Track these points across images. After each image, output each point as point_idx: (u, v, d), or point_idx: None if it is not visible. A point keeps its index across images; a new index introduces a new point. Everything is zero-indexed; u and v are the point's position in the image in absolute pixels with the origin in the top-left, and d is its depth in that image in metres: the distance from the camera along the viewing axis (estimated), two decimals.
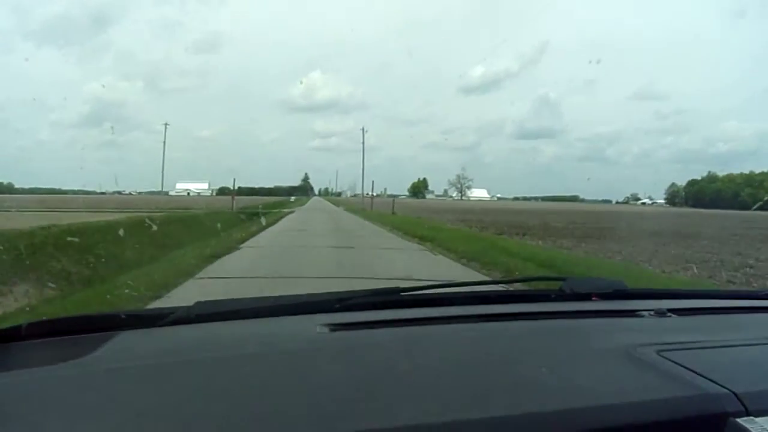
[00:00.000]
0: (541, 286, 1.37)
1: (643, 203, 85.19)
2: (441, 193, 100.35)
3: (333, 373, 0.81)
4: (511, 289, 1.39)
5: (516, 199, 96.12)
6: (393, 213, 26.07)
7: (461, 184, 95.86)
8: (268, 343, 0.96)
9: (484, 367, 0.85)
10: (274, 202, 34.81)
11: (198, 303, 1.07)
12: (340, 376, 0.80)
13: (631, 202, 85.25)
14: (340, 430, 0.62)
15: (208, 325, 1.05)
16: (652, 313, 1.14)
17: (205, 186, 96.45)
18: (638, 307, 1.18)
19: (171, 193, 79.78)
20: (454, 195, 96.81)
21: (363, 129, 27.93)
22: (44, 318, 1.01)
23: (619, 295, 1.27)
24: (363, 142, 27.31)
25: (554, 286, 1.27)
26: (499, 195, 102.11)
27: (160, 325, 1.01)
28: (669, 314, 1.15)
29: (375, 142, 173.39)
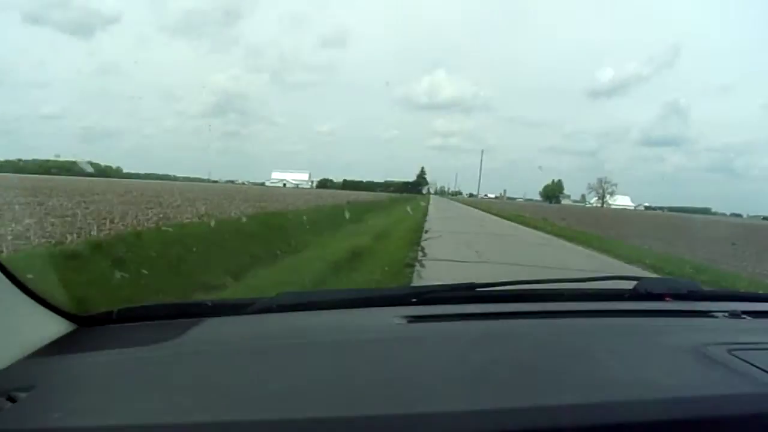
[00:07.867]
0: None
1: None
2: (578, 198, 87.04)
3: (409, 362, 0.85)
4: (585, 287, 1.39)
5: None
6: None
7: (603, 189, 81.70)
8: (348, 332, 1.01)
9: (557, 360, 0.88)
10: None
11: (281, 294, 1.14)
12: (416, 365, 0.84)
13: None
14: (417, 415, 0.67)
15: (291, 314, 1.10)
16: (726, 314, 1.13)
17: (305, 177, 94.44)
18: (712, 308, 1.16)
19: (267, 183, 79.45)
20: (593, 201, 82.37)
21: None
22: (135, 305, 1.08)
23: (693, 296, 1.25)
24: None
25: (629, 286, 1.25)
26: (646, 203, 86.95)
27: (244, 314, 1.07)
28: (743, 316, 1.13)
29: (494, 143, 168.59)
